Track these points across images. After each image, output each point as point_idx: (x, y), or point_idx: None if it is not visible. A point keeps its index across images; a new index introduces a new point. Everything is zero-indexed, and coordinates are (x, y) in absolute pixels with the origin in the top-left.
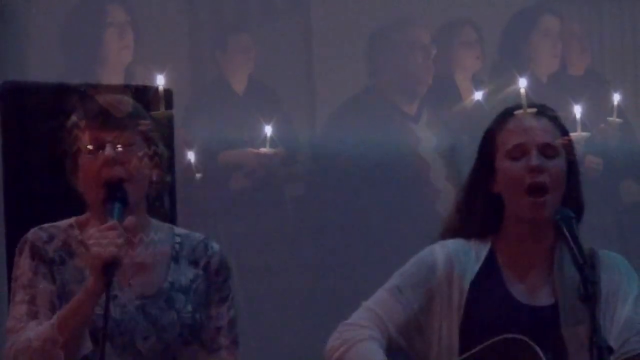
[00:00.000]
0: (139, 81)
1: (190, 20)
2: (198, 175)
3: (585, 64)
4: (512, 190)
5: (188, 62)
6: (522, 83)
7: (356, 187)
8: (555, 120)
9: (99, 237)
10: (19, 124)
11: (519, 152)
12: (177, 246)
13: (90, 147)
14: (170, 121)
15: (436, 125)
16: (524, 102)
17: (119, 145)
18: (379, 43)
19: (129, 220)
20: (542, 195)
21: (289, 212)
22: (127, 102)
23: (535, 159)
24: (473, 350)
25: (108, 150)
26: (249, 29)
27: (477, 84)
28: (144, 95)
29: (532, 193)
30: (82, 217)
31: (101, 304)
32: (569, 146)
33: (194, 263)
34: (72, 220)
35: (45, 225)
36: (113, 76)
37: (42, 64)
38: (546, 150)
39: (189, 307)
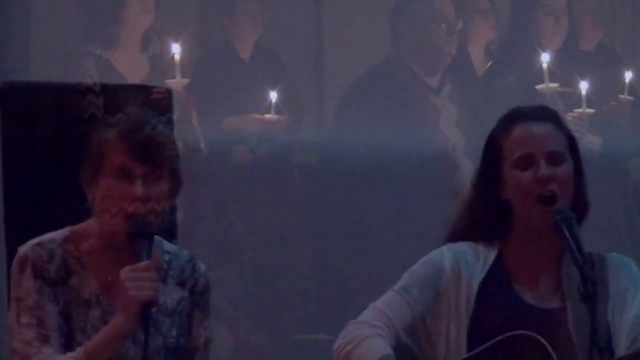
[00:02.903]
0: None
1: None
2: (202, 145)
3: (596, 40)
4: (522, 200)
5: (196, 26)
6: (545, 58)
7: (373, 159)
8: (558, 122)
9: (135, 278)
10: (19, 124)
11: (527, 161)
12: (165, 265)
13: (119, 174)
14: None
15: (458, 98)
16: (545, 77)
17: (149, 182)
18: (403, 14)
19: (157, 260)
20: (553, 204)
21: (297, 183)
22: (166, 133)
23: (543, 169)
24: (482, 347)
25: (138, 187)
26: None
27: (489, 55)
28: (143, 94)
29: (543, 202)
30: (77, 228)
31: None
32: (574, 148)
33: (181, 284)
34: (66, 231)
35: (43, 240)
36: (131, 39)
37: (59, 27)
38: (554, 158)
39: (174, 332)
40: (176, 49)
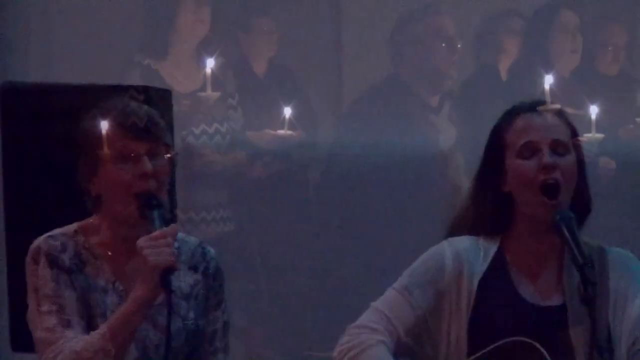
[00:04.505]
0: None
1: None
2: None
3: (620, 65)
4: (524, 190)
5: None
6: (548, 80)
7: (374, 176)
8: (563, 116)
9: (152, 246)
10: (19, 124)
11: (530, 150)
12: (175, 251)
13: (123, 157)
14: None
15: (458, 118)
16: (547, 98)
17: (152, 158)
18: (404, 32)
19: (173, 227)
20: (556, 195)
21: (311, 198)
22: (154, 111)
23: (547, 157)
24: (479, 354)
25: (146, 164)
26: (274, 11)
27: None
28: (143, 94)
29: (545, 192)
30: (85, 223)
31: None
32: (578, 144)
33: (193, 268)
34: (74, 226)
35: (54, 233)
36: (184, 50)
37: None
38: (557, 147)
39: (192, 314)
40: (210, 63)
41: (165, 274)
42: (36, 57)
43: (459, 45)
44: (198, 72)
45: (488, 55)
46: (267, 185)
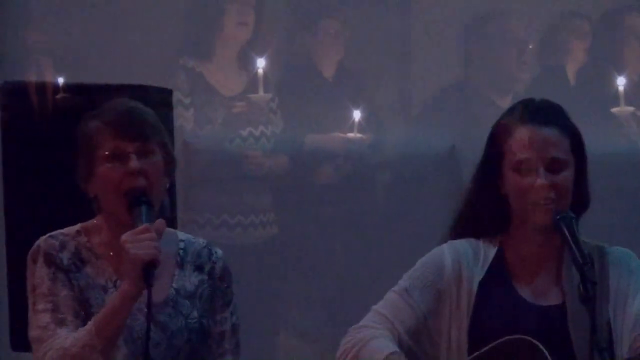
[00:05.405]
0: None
1: (283, 4)
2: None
3: None
4: (518, 201)
5: (279, 45)
6: (621, 81)
7: (445, 179)
8: (564, 123)
9: (135, 240)
10: (19, 124)
11: (525, 167)
12: (181, 252)
13: (113, 156)
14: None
15: None
16: (621, 100)
17: (142, 156)
18: (473, 34)
19: (160, 223)
20: (549, 212)
21: (379, 201)
22: (147, 110)
23: (542, 178)
24: (481, 351)
25: (133, 162)
26: (341, 13)
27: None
28: (143, 94)
29: (539, 210)
30: (88, 224)
31: None
32: (579, 147)
33: (199, 268)
34: (77, 227)
35: (55, 233)
36: (227, 53)
37: (163, 35)
38: (553, 165)
39: (195, 313)
40: (261, 64)
41: (148, 267)
42: (85, 58)
43: (530, 46)
44: (241, 75)
45: (555, 58)
46: (335, 189)
